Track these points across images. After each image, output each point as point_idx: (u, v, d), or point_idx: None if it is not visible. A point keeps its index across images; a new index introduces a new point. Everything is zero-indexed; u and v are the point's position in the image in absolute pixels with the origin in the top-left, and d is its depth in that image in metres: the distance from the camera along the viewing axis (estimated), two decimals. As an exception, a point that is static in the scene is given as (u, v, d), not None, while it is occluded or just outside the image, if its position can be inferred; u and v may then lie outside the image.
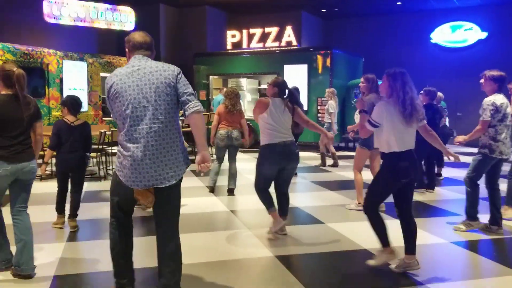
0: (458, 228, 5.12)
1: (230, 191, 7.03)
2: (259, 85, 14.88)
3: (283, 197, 4.97)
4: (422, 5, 15.42)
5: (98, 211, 5.88)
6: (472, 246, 4.66)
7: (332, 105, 9.82)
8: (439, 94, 8.93)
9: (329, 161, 9.99)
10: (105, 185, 7.65)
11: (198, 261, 4.11)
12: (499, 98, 4.88)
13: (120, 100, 2.96)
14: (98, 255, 4.30)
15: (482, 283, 3.73)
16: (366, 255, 4.32)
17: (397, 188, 3.86)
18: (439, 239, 4.88)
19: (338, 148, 13.45)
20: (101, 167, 8.51)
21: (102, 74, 12.55)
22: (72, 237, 4.90)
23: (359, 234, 4.90)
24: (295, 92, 5.56)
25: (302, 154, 10.12)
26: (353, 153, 11.67)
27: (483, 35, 15.62)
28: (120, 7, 13.29)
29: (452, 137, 12.22)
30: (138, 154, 2.94)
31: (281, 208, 4.95)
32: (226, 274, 3.86)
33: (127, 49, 3.15)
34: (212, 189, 7.14)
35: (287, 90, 4.91)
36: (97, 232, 5.15)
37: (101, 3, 12.94)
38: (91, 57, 12.16)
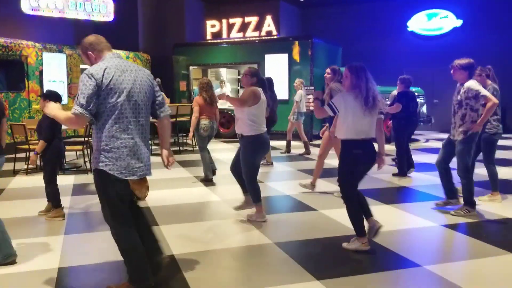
0: (457, 213, 5.23)
1: (208, 181, 7.22)
2: (239, 75, 14.89)
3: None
4: (399, -6, 15.63)
5: (89, 204, 5.87)
6: (461, 228, 4.84)
7: (300, 94, 9.93)
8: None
9: (300, 150, 10.22)
10: (90, 178, 7.55)
11: (199, 250, 4.17)
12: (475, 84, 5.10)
13: (116, 92, 3.01)
14: (96, 247, 4.33)
15: (475, 263, 3.90)
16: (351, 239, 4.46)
17: (360, 171, 4.17)
18: (429, 222, 5.05)
19: (317, 137, 13.60)
20: (86, 160, 8.41)
21: (82, 66, 12.37)
22: (69, 230, 4.89)
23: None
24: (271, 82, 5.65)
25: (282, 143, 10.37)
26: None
27: (458, 22, 15.93)
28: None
29: (430, 124, 12.55)
30: (134, 145, 3.08)
31: (244, 186, 5.13)
32: (231, 262, 3.94)
33: (93, 51, 3.15)
34: (211, 177, 7.24)
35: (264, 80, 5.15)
36: (91, 224, 5.15)
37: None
38: (70, 49, 11.96)
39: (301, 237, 4.58)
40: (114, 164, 3.02)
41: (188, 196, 6.39)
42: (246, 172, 4.94)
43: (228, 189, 6.78)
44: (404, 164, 7.69)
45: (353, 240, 4.22)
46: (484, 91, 5.06)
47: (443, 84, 15.51)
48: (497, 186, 5.85)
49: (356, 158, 4.07)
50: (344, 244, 4.24)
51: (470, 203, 5.23)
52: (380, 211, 5.56)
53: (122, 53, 13.85)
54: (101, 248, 4.31)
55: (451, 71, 5.26)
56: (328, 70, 6.23)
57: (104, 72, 2.97)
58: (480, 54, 15.12)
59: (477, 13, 15.58)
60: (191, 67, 14.25)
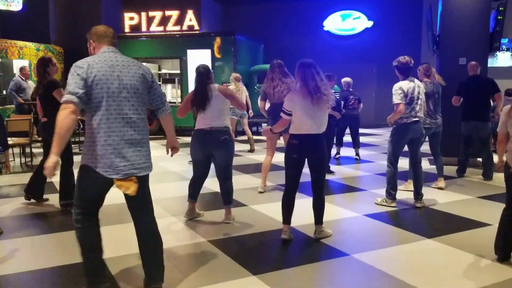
0: (379, 202, 5.64)
1: None
2: (159, 69, 14.60)
3: (223, 185, 4.98)
4: (316, -6, 16.16)
5: (3, 208, 5.52)
6: (381, 217, 5.15)
7: (232, 89, 10.01)
8: (347, 79, 9.49)
9: (245, 146, 10.34)
10: (2, 180, 7.12)
11: (131, 252, 4.06)
12: (404, 84, 5.35)
13: (102, 88, 2.94)
14: (20, 254, 4.07)
15: (397, 250, 4.18)
16: (294, 232, 4.60)
17: (298, 165, 4.30)
18: (353, 212, 5.33)
19: (242, 133, 13.73)
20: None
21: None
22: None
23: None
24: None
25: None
26: (259, 137, 12.16)
27: (370, 23, 16.81)
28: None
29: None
30: (119, 143, 2.99)
31: (222, 195, 4.99)
32: (167, 262, 3.88)
33: (94, 41, 3.15)
34: None
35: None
36: (11, 230, 4.81)
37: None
38: (-28, 39, 11.02)
39: (234, 233, 4.62)
40: (99, 162, 2.94)
41: (115, 196, 6.16)
42: (231, 170, 4.94)
43: (157, 188, 6.66)
44: (328, 160, 8.02)
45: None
46: (395, 99, 5.29)
47: (357, 81, 16.34)
48: (442, 174, 6.48)
49: (292, 147, 4.28)
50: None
51: (388, 193, 5.59)
52: (305, 204, 5.76)
53: (31, 45, 13.01)
54: (29, 254, 4.06)
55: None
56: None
57: (87, 67, 2.90)
58: (388, 53, 16.05)
59: (386, 15, 16.55)
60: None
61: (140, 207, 3.24)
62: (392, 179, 5.53)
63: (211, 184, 6.77)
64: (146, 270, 3.27)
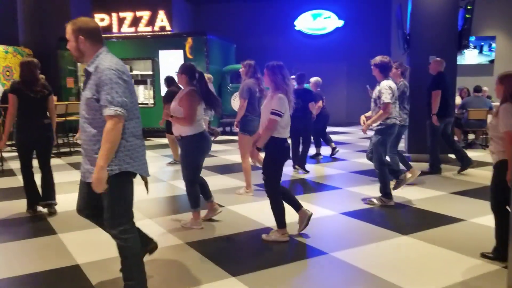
0: (372, 203, 5.59)
1: None
2: (131, 71, 14.39)
3: (203, 180, 4.98)
4: (286, -7, 16.24)
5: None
6: (357, 215, 5.21)
7: None
8: (316, 78, 9.54)
9: (218, 147, 10.23)
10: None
11: (106, 257, 3.99)
12: (391, 82, 5.41)
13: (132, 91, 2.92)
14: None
15: (374, 247, 4.22)
16: (269, 232, 4.61)
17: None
18: (329, 211, 5.37)
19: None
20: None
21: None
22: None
23: (259, 213, 5.16)
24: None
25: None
26: (232, 137, 12.15)
27: (340, 23, 17.00)
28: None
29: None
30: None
31: (204, 192, 4.98)
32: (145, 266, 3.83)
33: (89, 39, 2.88)
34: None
35: (197, 75, 4.66)
36: None
37: None
38: None
39: (212, 234, 4.60)
40: (135, 162, 2.95)
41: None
42: (187, 174, 4.71)
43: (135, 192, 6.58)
44: (297, 158, 8.06)
45: (272, 232, 4.39)
46: (385, 99, 5.30)
47: (328, 80, 16.49)
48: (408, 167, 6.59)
49: (287, 151, 4.37)
50: (264, 236, 4.40)
51: (385, 194, 5.58)
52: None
53: (0, 47, 12.66)
54: (6, 258, 3.95)
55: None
56: (244, 63, 6.19)
57: (124, 68, 2.85)
58: (359, 52, 16.40)
59: (356, 14, 16.77)
60: (79, 63, 13.46)
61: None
62: (387, 178, 5.54)
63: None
64: None
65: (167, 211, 5.57)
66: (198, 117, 4.59)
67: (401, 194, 5.96)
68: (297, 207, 4.55)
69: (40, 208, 5.46)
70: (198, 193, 4.79)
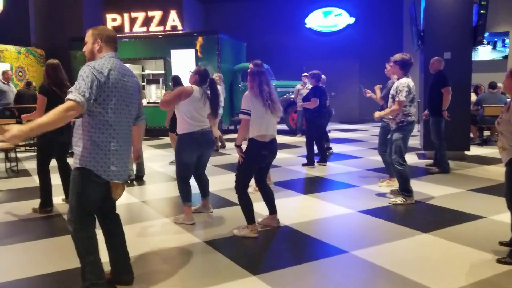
0: (394, 202, 5.51)
1: (139, 178, 7.11)
2: (143, 70, 14.46)
3: (202, 178, 5.17)
4: (297, -9, 16.19)
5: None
6: (375, 213, 5.17)
7: (219, 90, 9.93)
8: (323, 76, 9.53)
9: (230, 145, 10.32)
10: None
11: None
12: (410, 81, 5.36)
13: (115, 95, 3.01)
14: (6, 262, 3.98)
15: (394, 245, 4.18)
16: (290, 230, 4.60)
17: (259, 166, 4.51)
18: (347, 209, 5.34)
19: (227, 131, 13.73)
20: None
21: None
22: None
23: (278, 211, 5.13)
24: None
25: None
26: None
27: (351, 20, 16.92)
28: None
29: (331, 115, 13.28)
30: (126, 148, 3.15)
31: (201, 189, 5.19)
32: (161, 266, 3.83)
33: (103, 42, 3.14)
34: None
35: (208, 79, 4.97)
36: (3, 236, 4.71)
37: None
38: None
39: (229, 233, 4.58)
40: (114, 167, 3.09)
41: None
42: (177, 170, 4.91)
43: (149, 190, 6.61)
44: (313, 154, 8.04)
45: (243, 227, 4.47)
46: (401, 96, 5.29)
47: (339, 77, 16.45)
48: (392, 172, 6.26)
49: (263, 157, 4.41)
50: (235, 231, 4.51)
51: (405, 191, 5.52)
52: (299, 202, 5.80)
53: (12, 48, 12.77)
54: (15, 261, 3.97)
55: (389, 64, 5.54)
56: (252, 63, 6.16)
57: (108, 71, 2.95)
58: (371, 49, 16.32)
59: (368, 11, 16.68)
60: (91, 63, 13.53)
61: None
62: (407, 177, 5.49)
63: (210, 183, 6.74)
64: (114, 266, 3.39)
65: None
66: (189, 116, 4.70)
67: (420, 191, 5.92)
68: (272, 211, 4.73)
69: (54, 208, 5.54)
70: (186, 189, 4.88)
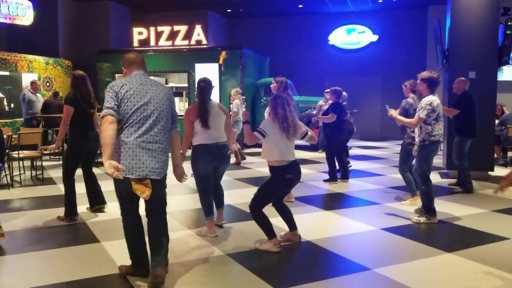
0: (417, 221, 5.45)
1: None
2: (167, 83, 14.67)
3: (216, 189, 5.15)
4: (321, 9, 16.30)
5: (15, 222, 5.48)
6: (399, 231, 5.14)
7: (237, 104, 10.03)
8: (344, 93, 9.55)
9: (251, 159, 10.37)
10: (13, 194, 7.11)
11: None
12: (435, 99, 5.33)
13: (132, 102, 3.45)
14: (32, 268, 4.06)
15: (418, 264, 4.15)
16: (312, 246, 4.60)
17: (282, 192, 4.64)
18: (369, 226, 5.31)
19: (248, 146, 13.80)
20: (6, 173, 7.81)
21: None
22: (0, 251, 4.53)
23: (300, 227, 5.12)
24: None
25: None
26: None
27: (375, 37, 16.93)
28: (16, 0, 12.24)
29: (353, 132, 13.25)
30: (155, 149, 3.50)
31: (216, 200, 5.19)
32: (186, 278, 3.87)
33: (126, 67, 3.69)
34: None
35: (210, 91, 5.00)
36: (23, 244, 4.80)
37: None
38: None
39: (250, 246, 4.60)
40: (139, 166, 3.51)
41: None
42: (196, 184, 5.02)
43: (172, 202, 6.67)
44: (335, 170, 8.04)
45: (265, 242, 4.47)
46: (421, 114, 5.29)
47: (362, 95, 16.43)
48: (415, 190, 6.25)
49: (288, 182, 4.46)
50: (257, 245, 4.52)
51: (429, 210, 5.46)
52: (321, 217, 5.80)
53: (41, 59, 13.11)
54: (40, 268, 4.05)
55: (418, 81, 5.56)
56: (273, 80, 6.24)
57: (122, 86, 3.45)
58: (393, 67, 16.29)
59: (390, 29, 16.68)
60: (116, 75, 13.80)
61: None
62: (431, 195, 5.45)
63: (231, 197, 6.78)
64: (153, 260, 3.57)
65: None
66: (198, 130, 4.79)
67: (443, 210, 5.86)
68: (292, 228, 4.75)
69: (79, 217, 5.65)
70: (208, 202, 4.95)
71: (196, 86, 5.00)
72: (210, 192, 4.99)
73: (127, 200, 3.60)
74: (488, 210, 6.07)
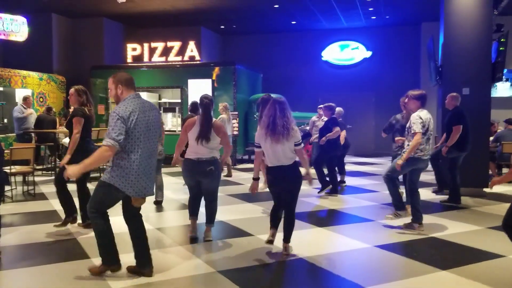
0: (388, 218, 5.83)
1: (158, 203, 7.25)
2: (160, 99, 14.63)
3: (208, 206, 5.35)
4: (314, 25, 16.39)
5: (6, 238, 5.37)
6: (392, 248, 5.07)
7: (224, 119, 10.00)
8: (339, 109, 9.59)
9: (249, 175, 10.34)
10: (4, 209, 6.99)
11: (139, 283, 3.96)
12: (423, 113, 5.47)
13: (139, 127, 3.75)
14: (23, 284, 3.96)
15: (411, 282, 4.08)
16: (305, 263, 4.53)
17: (276, 194, 4.80)
18: (363, 243, 5.24)
19: (241, 161, 13.74)
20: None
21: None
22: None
23: (293, 244, 5.05)
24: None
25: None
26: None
27: (368, 54, 17.02)
28: (11, 16, 12.23)
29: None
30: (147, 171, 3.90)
31: (206, 215, 5.38)
32: (175, 294, 3.79)
33: (124, 86, 3.81)
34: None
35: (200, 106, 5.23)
36: (13, 260, 4.70)
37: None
38: (-25, 68, 11.07)
39: (244, 263, 4.52)
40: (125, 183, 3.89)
41: (122, 225, 6.07)
42: (217, 193, 5.41)
43: (164, 217, 6.59)
44: (323, 175, 8.23)
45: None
46: (416, 128, 5.40)
47: (356, 111, 16.45)
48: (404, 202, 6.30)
49: (269, 181, 4.75)
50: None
51: (395, 206, 5.78)
52: (314, 234, 5.73)
53: (35, 74, 13.08)
54: (30, 285, 3.95)
55: (405, 100, 5.70)
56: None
57: (130, 114, 3.64)
58: (387, 83, 16.36)
59: (385, 45, 16.79)
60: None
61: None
62: (395, 194, 5.76)
63: (223, 213, 6.70)
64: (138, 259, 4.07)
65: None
66: (189, 143, 5.09)
67: (436, 228, 5.81)
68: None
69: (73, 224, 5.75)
70: (192, 205, 5.37)
71: (199, 102, 5.23)
72: (196, 198, 5.36)
73: (107, 207, 3.99)
74: (483, 227, 6.02)
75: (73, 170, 3.56)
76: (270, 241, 4.82)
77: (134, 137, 3.68)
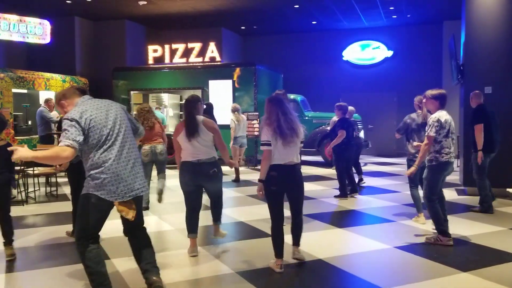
0: (429, 240, 5.26)
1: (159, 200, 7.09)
2: (181, 100, 14.76)
3: (214, 205, 5.08)
4: (335, 25, 16.30)
5: (29, 238, 5.49)
6: (412, 249, 5.01)
7: (232, 119, 9.99)
8: (351, 108, 9.41)
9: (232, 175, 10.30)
10: (27, 210, 7.16)
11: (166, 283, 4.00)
12: (442, 115, 5.15)
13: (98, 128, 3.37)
14: (44, 285, 4.04)
15: (432, 284, 4.03)
16: (324, 264, 4.51)
17: (277, 195, 4.34)
18: (383, 244, 5.19)
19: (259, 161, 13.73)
20: (21, 189, 7.87)
21: (14, 90, 11.77)
22: (10, 267, 4.53)
23: (312, 244, 5.06)
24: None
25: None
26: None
27: (389, 53, 16.85)
28: (35, 20, 12.52)
29: (368, 148, 13.10)
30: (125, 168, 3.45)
31: (214, 214, 5.11)
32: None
33: (65, 100, 3.59)
34: (147, 207, 6.97)
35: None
36: (35, 260, 4.81)
37: (14, 15, 12.10)
38: (1, 72, 11.33)
39: (261, 264, 4.52)
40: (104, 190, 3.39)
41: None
42: (222, 193, 5.11)
43: (179, 217, 6.63)
44: (345, 186, 7.93)
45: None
46: (431, 132, 5.11)
47: (377, 111, 16.31)
48: (420, 208, 6.15)
49: (270, 179, 4.30)
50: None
51: (440, 232, 5.22)
52: (333, 235, 5.69)
53: (58, 77, 13.33)
54: (51, 285, 4.03)
55: (423, 100, 5.45)
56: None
57: (81, 114, 3.30)
58: (409, 82, 16.15)
59: (405, 45, 16.59)
60: (131, 92, 13.95)
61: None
62: (436, 216, 5.21)
63: (234, 213, 6.72)
64: (145, 269, 3.59)
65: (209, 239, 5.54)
66: (182, 146, 4.72)
67: (459, 228, 5.72)
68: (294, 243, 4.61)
69: None
70: (191, 220, 4.84)
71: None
72: (195, 210, 4.88)
73: (94, 228, 3.44)
74: (506, 228, 5.90)
75: (23, 152, 3.05)
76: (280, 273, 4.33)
77: (94, 137, 3.30)
